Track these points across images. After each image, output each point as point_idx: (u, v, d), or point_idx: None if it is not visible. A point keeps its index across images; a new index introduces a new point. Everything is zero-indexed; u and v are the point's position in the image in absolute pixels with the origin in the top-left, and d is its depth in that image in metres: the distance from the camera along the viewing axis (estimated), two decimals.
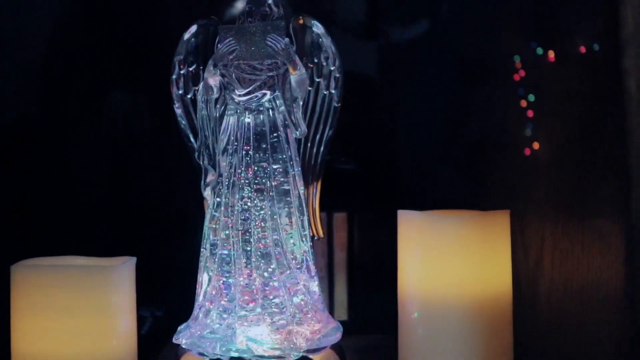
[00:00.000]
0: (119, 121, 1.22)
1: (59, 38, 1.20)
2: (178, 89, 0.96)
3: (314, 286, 0.93)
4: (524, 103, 1.01)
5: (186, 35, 0.95)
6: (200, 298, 0.93)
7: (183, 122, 0.97)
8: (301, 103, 0.93)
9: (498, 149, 1.08)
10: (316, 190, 0.98)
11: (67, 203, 1.18)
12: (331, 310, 1.15)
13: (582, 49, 0.91)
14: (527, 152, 1.00)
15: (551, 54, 0.97)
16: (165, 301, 1.16)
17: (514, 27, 1.05)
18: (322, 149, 0.97)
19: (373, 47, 1.28)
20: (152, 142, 1.21)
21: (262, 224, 0.91)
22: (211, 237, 0.93)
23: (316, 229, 0.97)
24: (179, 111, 0.97)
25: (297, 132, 0.93)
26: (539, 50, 0.99)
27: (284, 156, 0.92)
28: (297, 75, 0.92)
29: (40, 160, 1.17)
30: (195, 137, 0.96)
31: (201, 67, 0.95)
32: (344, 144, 1.09)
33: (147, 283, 0.92)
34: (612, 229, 0.84)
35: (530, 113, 1.01)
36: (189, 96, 0.96)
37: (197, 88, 0.96)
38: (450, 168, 1.19)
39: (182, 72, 0.96)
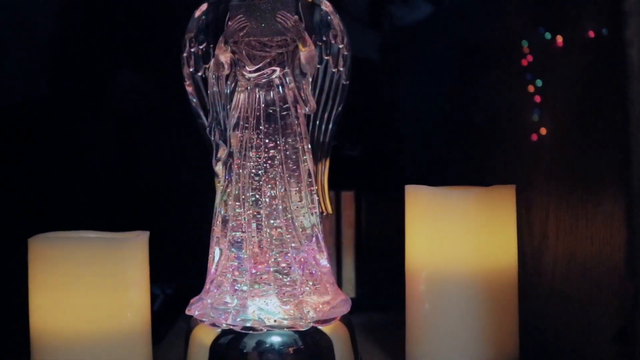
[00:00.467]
0: (128, 98, 1.23)
1: (67, 17, 1.21)
2: (189, 66, 0.97)
3: (324, 259, 0.95)
4: (531, 88, 1.02)
5: (197, 13, 0.96)
6: (212, 271, 0.94)
7: (194, 100, 0.98)
8: (310, 79, 0.95)
9: (503, 131, 1.09)
10: (325, 167, 0.99)
11: (78, 180, 1.20)
12: (339, 287, 1.17)
13: (591, 34, 0.92)
14: (534, 137, 1.01)
15: (559, 39, 0.98)
16: (176, 278, 1.17)
17: (522, 12, 1.06)
18: (330, 126, 0.98)
19: (379, 30, 1.29)
20: (162, 119, 1.22)
21: (273, 199, 0.92)
22: (222, 211, 0.94)
23: (325, 206, 0.98)
24: (189, 89, 0.98)
25: (307, 109, 0.94)
26: (547, 35, 0.99)
27: (294, 132, 0.93)
28: (306, 51, 0.93)
29: (52, 139, 1.19)
30: (206, 115, 0.98)
31: (211, 45, 0.97)
32: (352, 125, 1.10)
33: (159, 260, 0.94)
34: (614, 201, 0.85)
35: (537, 98, 1.02)
36: (199, 74, 0.98)
37: (207, 66, 0.97)
38: (456, 148, 1.20)
39: (192, 50, 0.97)
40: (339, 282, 1.19)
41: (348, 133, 1.18)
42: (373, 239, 1.22)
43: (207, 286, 0.94)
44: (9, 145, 1.15)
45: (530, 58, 1.03)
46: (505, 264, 0.92)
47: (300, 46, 0.93)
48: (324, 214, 0.98)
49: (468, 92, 1.20)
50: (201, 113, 0.98)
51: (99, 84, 1.21)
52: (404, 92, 1.30)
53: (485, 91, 1.15)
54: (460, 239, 0.91)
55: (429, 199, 0.92)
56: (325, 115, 0.98)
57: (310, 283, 0.92)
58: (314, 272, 0.93)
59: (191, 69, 0.97)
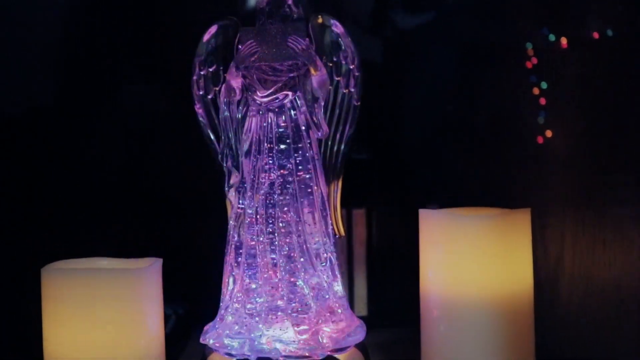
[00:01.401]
0: (141, 115, 1.21)
1: (75, 29, 1.20)
2: (199, 89, 0.97)
3: (338, 285, 0.94)
4: (536, 91, 1.01)
5: (205, 37, 0.96)
6: (226, 298, 0.94)
7: (204, 122, 0.98)
8: (322, 103, 0.94)
9: (515, 140, 1.08)
10: (337, 188, 0.98)
11: (89, 199, 1.19)
12: (351, 305, 1.16)
13: (595, 35, 0.91)
14: (540, 140, 1.00)
15: (564, 41, 0.97)
16: (188, 297, 1.17)
17: (526, 14, 1.05)
18: (342, 147, 0.98)
19: (382, 37, 1.28)
20: (175, 139, 1.21)
21: (286, 224, 0.92)
22: (236, 238, 0.94)
23: (337, 227, 0.98)
24: (200, 111, 0.97)
25: (319, 133, 0.94)
26: (552, 37, 0.99)
27: (307, 156, 0.93)
28: (318, 75, 0.92)
29: (61, 156, 1.18)
30: (217, 138, 0.97)
31: (221, 68, 0.96)
32: (360, 140, 1.09)
33: (170, 279, 0.93)
34: (633, 225, 0.85)
35: (542, 101, 1.01)
36: (209, 97, 0.97)
37: (217, 88, 0.96)
38: (467, 162, 1.19)
39: (202, 72, 0.96)
40: (351, 300, 1.18)
41: (358, 146, 1.17)
42: (385, 256, 1.21)
43: (221, 313, 0.94)
44: (19, 161, 1.14)
45: (535, 60, 1.02)
46: (521, 288, 0.92)
47: (311, 70, 0.92)
48: (337, 235, 0.98)
49: (477, 101, 1.18)
50: (212, 136, 0.98)
51: (110, 100, 1.20)
52: (412, 106, 1.28)
53: (493, 99, 1.14)
54: (475, 264, 0.90)
55: (444, 224, 0.92)
56: (337, 136, 0.98)
57: (325, 310, 0.91)
58: (327, 297, 0.92)
59: (201, 92, 0.97)
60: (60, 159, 1.18)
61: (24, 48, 1.16)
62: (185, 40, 1.09)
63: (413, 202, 0.98)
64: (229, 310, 0.93)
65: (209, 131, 0.98)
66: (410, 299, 0.99)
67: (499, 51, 1.12)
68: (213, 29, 0.95)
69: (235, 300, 0.93)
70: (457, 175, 1.19)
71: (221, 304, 0.94)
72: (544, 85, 1.01)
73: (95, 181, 1.20)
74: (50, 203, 1.16)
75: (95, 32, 1.20)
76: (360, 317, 0.98)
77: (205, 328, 0.95)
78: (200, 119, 0.98)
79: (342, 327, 0.92)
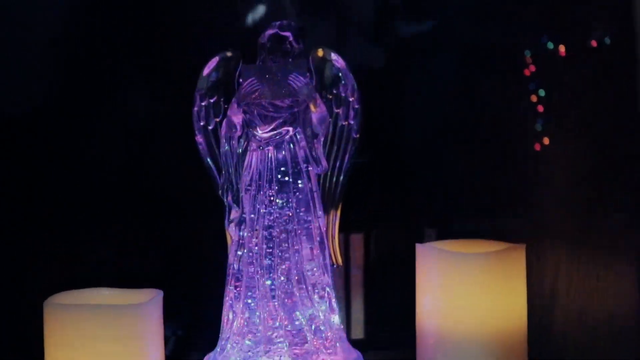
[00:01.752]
0: (138, 115, 1.21)
1: (75, 29, 1.20)
2: (200, 120, 0.97)
3: (335, 317, 0.96)
4: (534, 98, 1.02)
5: (206, 71, 0.96)
6: (226, 329, 0.96)
7: (204, 152, 0.99)
8: (322, 139, 0.95)
9: (513, 146, 1.07)
10: (335, 218, 0.99)
11: (85, 199, 1.19)
12: (348, 328, 1.18)
13: (594, 43, 0.91)
14: (537, 147, 1.01)
15: (562, 49, 0.97)
16: (188, 319, 1.18)
17: (525, 22, 1.05)
18: (341, 178, 0.99)
19: (383, 42, 1.28)
20: (172, 137, 1.20)
21: (285, 258, 0.93)
22: (235, 270, 0.95)
23: (335, 257, 0.99)
24: (201, 141, 0.98)
25: (318, 169, 0.95)
26: (550, 45, 0.99)
27: (306, 189, 0.94)
28: (317, 112, 0.93)
29: (58, 157, 1.18)
30: (217, 169, 0.98)
31: (222, 99, 0.97)
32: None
33: (169, 283, 0.95)
34: (627, 260, 0.86)
35: (540, 108, 1.02)
36: (210, 127, 0.98)
37: (218, 120, 0.97)
38: (467, 169, 1.19)
39: (203, 104, 0.97)
40: (348, 324, 1.20)
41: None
42: (382, 279, 1.22)
43: (221, 344, 0.96)
44: (19, 161, 1.15)
45: (533, 68, 1.03)
46: (515, 323, 0.93)
47: (311, 107, 0.93)
48: (334, 265, 0.99)
49: (479, 109, 1.18)
50: (211, 164, 0.98)
51: (110, 100, 1.20)
52: (412, 109, 1.28)
53: (492, 109, 1.14)
54: (470, 299, 0.92)
55: (440, 259, 0.93)
56: (336, 168, 0.99)
57: (322, 343, 0.93)
58: (324, 330, 0.94)
59: (202, 122, 0.97)
60: (60, 159, 1.18)
61: (24, 48, 1.16)
62: (185, 40, 1.10)
63: (414, 203, 0.97)
64: (230, 341, 0.95)
65: (209, 160, 0.99)
66: (408, 323, 1.00)
67: (499, 55, 1.12)
68: (214, 62, 0.96)
69: (234, 332, 0.94)
70: (458, 176, 1.19)
71: (221, 334, 0.96)
72: (541, 92, 1.01)
73: (95, 181, 1.20)
74: (50, 203, 1.17)
75: (95, 32, 1.19)
76: (357, 340, 0.99)
77: (205, 358, 0.97)
78: (201, 148, 0.99)
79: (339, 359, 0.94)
